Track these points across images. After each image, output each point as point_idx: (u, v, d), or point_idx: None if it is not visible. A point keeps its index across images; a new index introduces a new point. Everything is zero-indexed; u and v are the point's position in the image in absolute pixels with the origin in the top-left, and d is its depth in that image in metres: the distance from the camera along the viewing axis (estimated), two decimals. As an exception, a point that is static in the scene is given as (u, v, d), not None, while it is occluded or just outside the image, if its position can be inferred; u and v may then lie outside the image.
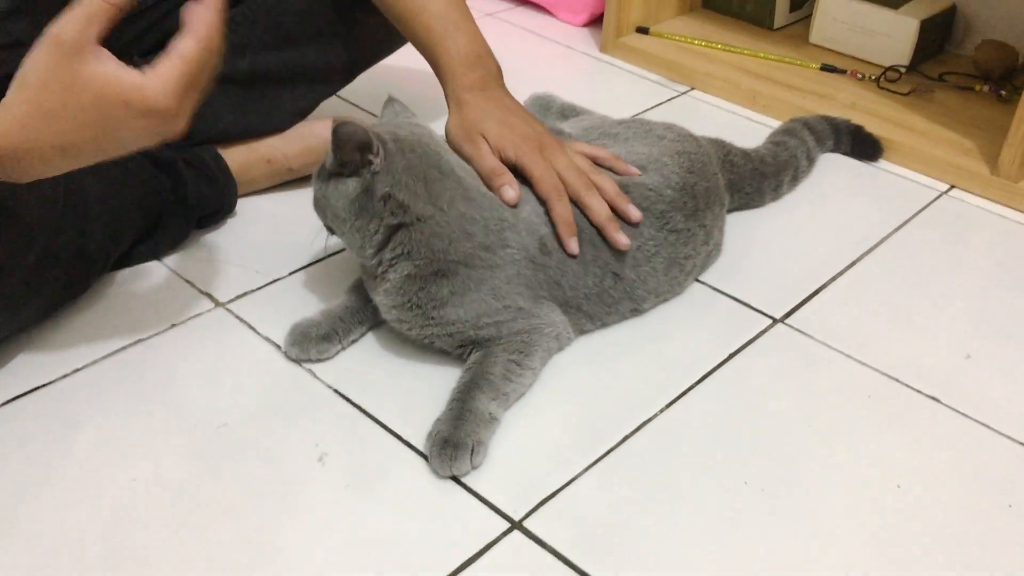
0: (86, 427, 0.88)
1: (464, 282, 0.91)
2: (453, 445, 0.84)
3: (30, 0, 0.99)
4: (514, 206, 0.95)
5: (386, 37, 1.19)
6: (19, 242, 0.86)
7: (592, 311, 0.99)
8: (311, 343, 0.95)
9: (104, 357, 0.95)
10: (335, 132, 0.86)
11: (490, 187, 0.95)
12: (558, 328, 0.96)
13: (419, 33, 1.05)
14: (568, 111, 1.37)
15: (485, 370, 0.90)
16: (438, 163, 0.92)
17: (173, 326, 0.99)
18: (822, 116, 1.36)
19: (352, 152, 0.88)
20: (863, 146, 1.37)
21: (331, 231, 0.95)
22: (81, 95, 0.73)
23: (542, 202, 0.97)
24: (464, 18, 1.05)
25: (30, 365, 0.93)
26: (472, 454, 0.84)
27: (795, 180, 1.27)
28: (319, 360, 0.95)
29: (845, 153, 1.37)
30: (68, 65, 0.73)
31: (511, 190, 0.95)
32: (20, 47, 1.01)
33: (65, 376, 0.93)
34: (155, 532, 0.79)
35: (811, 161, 1.30)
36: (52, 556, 0.76)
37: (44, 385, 0.92)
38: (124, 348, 0.96)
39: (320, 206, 0.93)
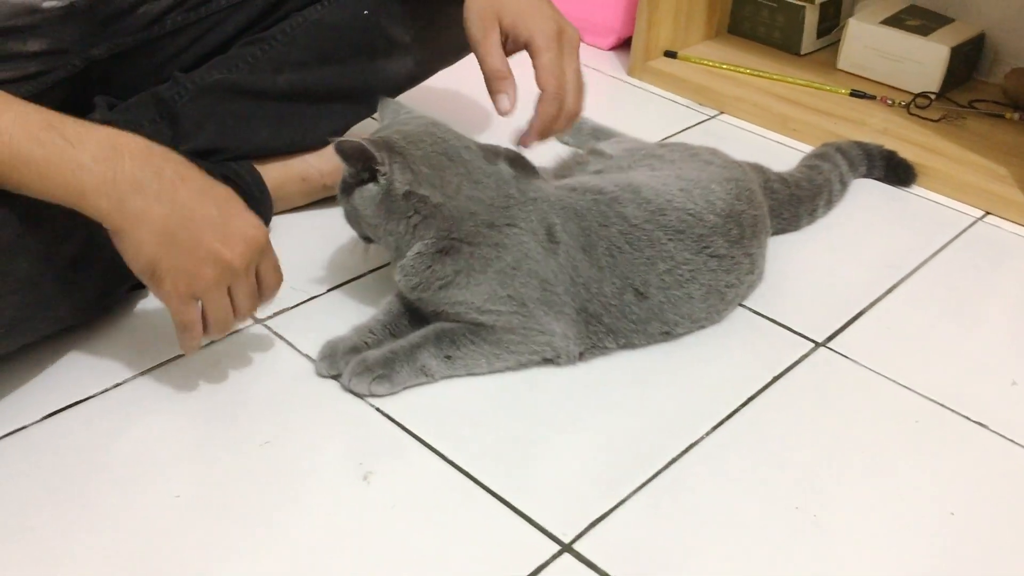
0: (127, 442, 0.87)
1: (468, 261, 0.92)
2: (367, 366, 0.91)
3: (82, 8, 0.99)
4: (503, 115, 0.97)
5: (426, 60, 1.19)
6: (59, 231, 0.85)
7: (614, 326, 0.97)
8: (339, 356, 0.94)
9: (143, 372, 0.94)
10: (338, 150, 0.91)
11: (489, 88, 0.95)
12: (555, 340, 0.95)
13: None
14: (599, 133, 1.37)
15: (453, 340, 0.93)
16: (445, 150, 0.93)
17: (212, 343, 0.98)
18: (855, 142, 1.36)
19: (358, 162, 0.91)
20: (897, 171, 1.36)
21: (368, 240, 0.97)
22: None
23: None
24: None
25: (70, 379, 0.92)
26: (376, 379, 0.91)
27: (829, 204, 1.27)
28: None
29: (878, 179, 1.37)
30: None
31: (506, 100, 0.95)
32: (65, 55, 1.01)
33: (105, 391, 0.92)
34: (199, 550, 0.77)
35: (844, 185, 1.30)
36: (95, 573, 0.75)
37: (85, 399, 0.90)
38: (163, 364, 0.95)
39: (352, 218, 0.96)
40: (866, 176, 1.36)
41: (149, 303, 1.03)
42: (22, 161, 0.76)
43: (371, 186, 0.92)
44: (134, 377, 0.93)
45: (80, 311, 0.94)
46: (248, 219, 0.85)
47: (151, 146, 0.81)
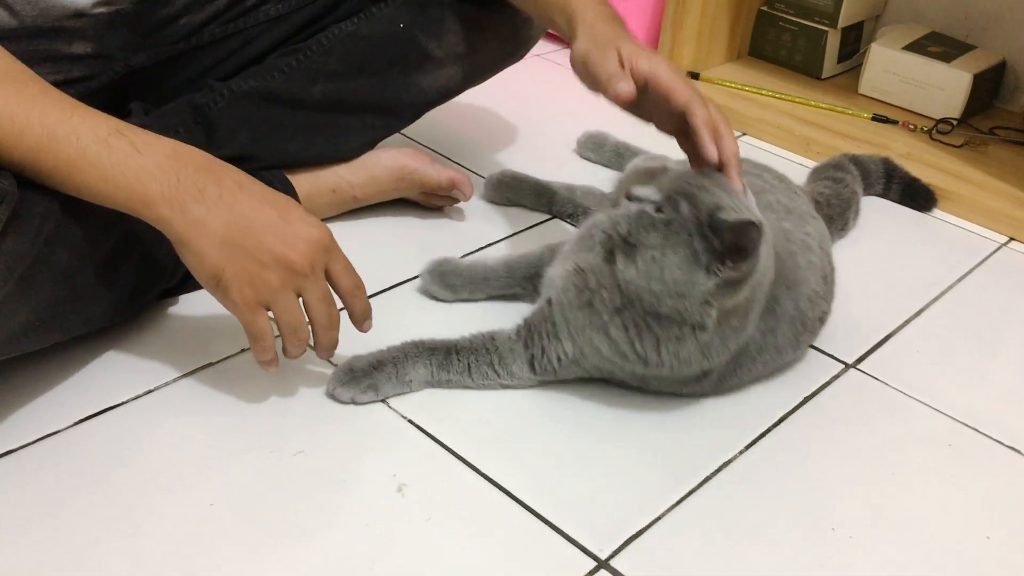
0: (159, 449, 0.86)
1: None
2: (353, 375, 0.91)
3: (129, 15, 0.99)
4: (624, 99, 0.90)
5: (459, 76, 1.19)
6: (99, 226, 0.85)
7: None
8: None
9: (174, 380, 0.93)
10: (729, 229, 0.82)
11: (606, 87, 0.90)
12: None
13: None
14: (623, 149, 1.37)
15: (461, 362, 0.93)
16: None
17: (243, 351, 0.97)
18: (882, 158, 1.37)
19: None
20: (916, 197, 1.37)
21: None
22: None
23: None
24: None
25: (102, 384, 0.92)
26: (361, 389, 0.91)
27: (856, 215, 1.27)
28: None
29: (895, 200, 1.37)
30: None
31: (625, 85, 0.89)
32: (108, 60, 1.02)
33: (137, 397, 0.91)
34: (232, 559, 0.77)
35: (860, 194, 1.31)
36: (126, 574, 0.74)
37: (117, 405, 0.90)
38: (194, 371, 0.95)
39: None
40: (881, 196, 1.37)
41: (181, 308, 1.03)
42: (89, 163, 0.77)
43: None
44: (167, 384, 0.93)
45: (112, 311, 0.93)
46: (309, 221, 0.84)
47: (211, 158, 0.83)
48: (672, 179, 0.87)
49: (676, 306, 0.84)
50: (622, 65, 0.91)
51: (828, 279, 1.02)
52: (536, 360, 0.94)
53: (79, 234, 0.84)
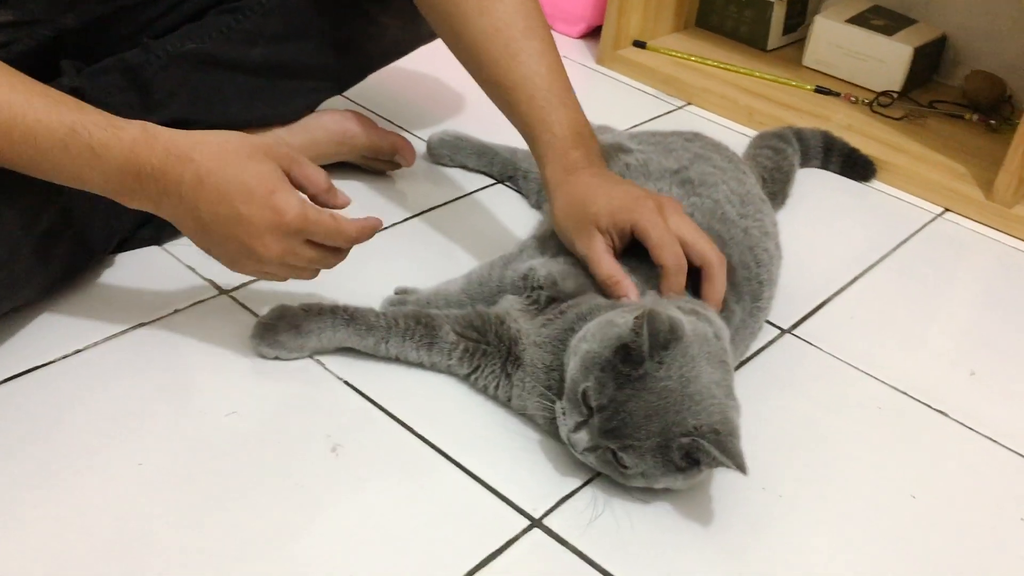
0: (87, 410, 0.85)
1: None
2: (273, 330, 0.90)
3: None
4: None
5: (403, 39, 1.18)
6: (34, 206, 0.84)
7: None
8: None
9: (105, 339, 0.92)
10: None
11: (608, 295, 0.87)
12: None
13: (519, 103, 0.96)
14: None
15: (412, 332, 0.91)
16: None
17: (176, 311, 0.96)
18: (821, 131, 1.38)
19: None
20: (856, 168, 1.38)
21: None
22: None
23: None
24: (567, 91, 0.97)
25: (29, 345, 0.90)
26: (269, 343, 0.90)
27: (791, 187, 1.29)
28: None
29: (835, 172, 1.39)
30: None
31: (628, 300, 0.87)
32: (33, 25, 0.99)
33: (65, 357, 0.89)
34: (163, 519, 0.76)
35: (797, 167, 1.33)
36: (55, 540, 0.73)
37: (43, 365, 0.88)
38: (125, 331, 0.93)
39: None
40: (822, 167, 1.38)
41: (114, 269, 1.01)
42: (52, 166, 0.79)
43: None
44: (96, 344, 0.91)
45: (46, 290, 0.93)
46: (274, 204, 0.81)
47: (168, 150, 0.80)
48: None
49: None
50: (610, 243, 0.89)
51: (776, 266, 1.03)
52: (470, 376, 0.91)
53: (15, 220, 0.84)
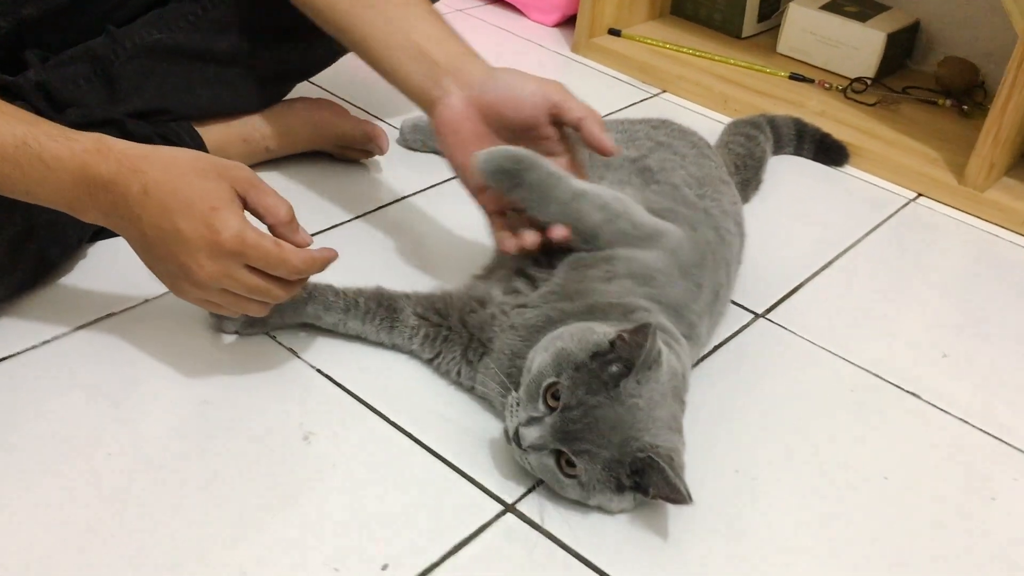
0: (57, 399, 0.84)
1: None
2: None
3: None
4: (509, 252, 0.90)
5: None
6: (5, 205, 0.82)
7: None
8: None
9: (74, 330, 0.91)
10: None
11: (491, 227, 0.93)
12: None
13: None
14: None
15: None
16: None
17: (147, 301, 0.95)
18: (792, 118, 1.38)
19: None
20: (830, 152, 1.39)
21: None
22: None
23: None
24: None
25: (-5, 336, 0.89)
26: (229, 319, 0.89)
27: (763, 172, 1.29)
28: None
29: (809, 158, 1.39)
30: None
31: (508, 239, 0.90)
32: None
33: (33, 347, 0.88)
34: (132, 509, 0.75)
35: (770, 155, 1.33)
36: (23, 530, 0.72)
37: (11, 356, 0.87)
38: (96, 321, 0.92)
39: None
40: (795, 154, 1.39)
41: (82, 259, 1.00)
42: (5, 179, 0.77)
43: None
44: (65, 334, 0.90)
45: (17, 288, 0.92)
46: (211, 222, 0.77)
47: (120, 161, 0.79)
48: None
49: None
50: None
51: (739, 245, 1.03)
52: (433, 360, 0.91)
53: None
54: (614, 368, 0.76)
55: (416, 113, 1.31)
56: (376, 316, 0.91)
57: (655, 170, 1.00)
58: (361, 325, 0.91)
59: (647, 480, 0.75)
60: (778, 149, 1.37)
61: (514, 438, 0.78)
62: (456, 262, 1.09)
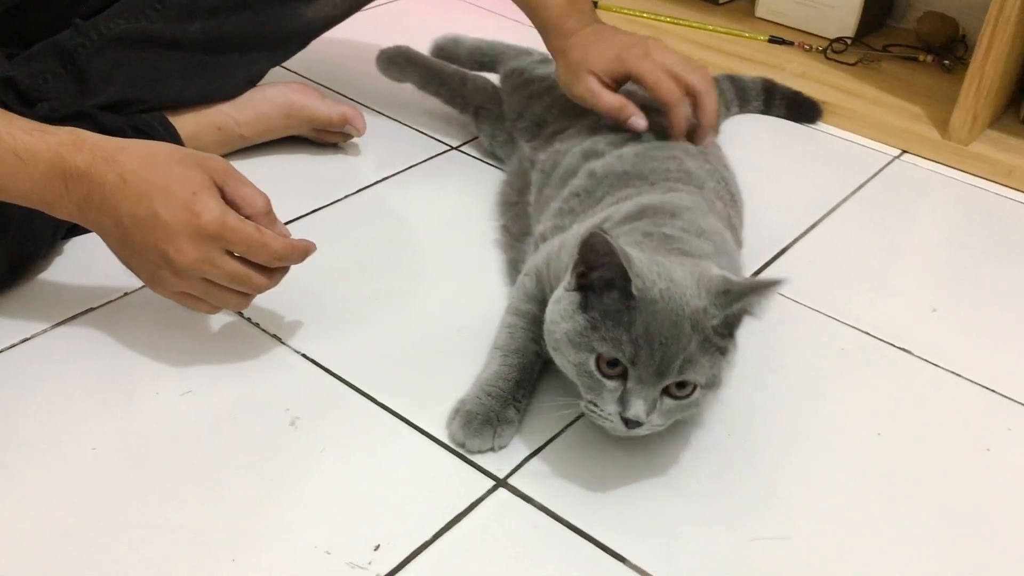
0: (39, 397, 0.83)
1: None
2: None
3: None
4: (643, 130, 0.99)
5: (342, 3, 1.16)
6: None
7: None
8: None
9: (53, 326, 0.90)
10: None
11: (618, 122, 0.99)
12: None
13: None
14: (476, 53, 1.33)
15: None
16: None
17: (126, 294, 0.94)
18: (763, 77, 1.39)
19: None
20: (802, 109, 1.39)
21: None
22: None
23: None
24: None
25: (-26, 336, 0.88)
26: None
27: (721, 124, 1.31)
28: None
29: (780, 116, 1.39)
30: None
31: (640, 120, 1.00)
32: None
33: (13, 346, 0.87)
34: (119, 501, 0.74)
35: (728, 112, 1.34)
36: (10, 527, 0.71)
37: (-9, 355, 0.86)
38: (75, 317, 0.91)
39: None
40: (764, 112, 1.38)
41: (60, 258, 0.98)
42: None
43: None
44: (44, 331, 0.89)
45: None
46: (191, 206, 0.77)
47: (94, 151, 0.78)
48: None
49: None
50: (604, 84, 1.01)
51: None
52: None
53: None
54: (613, 294, 0.73)
55: (389, 100, 1.30)
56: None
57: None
58: None
59: (732, 321, 0.75)
60: (744, 105, 1.37)
61: (631, 426, 0.73)
62: (439, 239, 1.08)
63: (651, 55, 1.00)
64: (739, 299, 0.73)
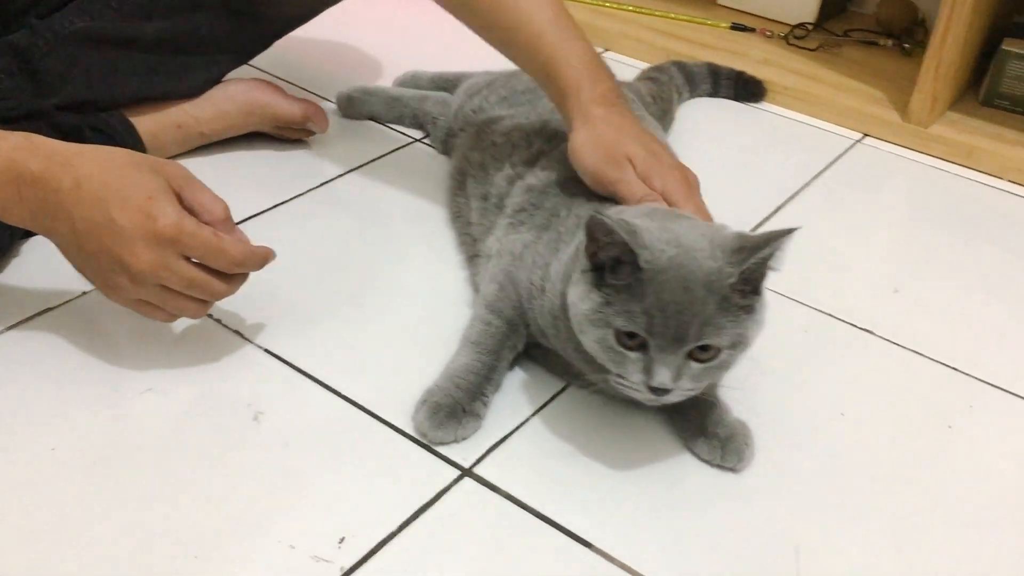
0: (-3, 399, 0.82)
1: None
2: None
3: None
4: None
5: (307, 4, 1.15)
6: None
7: None
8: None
9: (10, 327, 0.89)
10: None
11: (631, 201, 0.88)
12: None
13: (527, 42, 0.94)
14: (439, 81, 1.33)
15: None
16: None
17: (84, 294, 0.93)
18: (705, 62, 1.41)
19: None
20: (747, 87, 1.41)
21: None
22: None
23: None
24: (575, 25, 0.95)
25: (-70, 339, 0.87)
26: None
27: (675, 109, 1.31)
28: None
29: (728, 97, 1.41)
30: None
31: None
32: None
33: (-30, 348, 0.86)
34: (79, 501, 0.73)
35: (680, 97, 1.35)
36: (-31, 533, 0.71)
37: (-53, 358, 0.85)
38: (32, 317, 0.90)
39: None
40: (712, 95, 1.40)
41: (14, 259, 0.97)
42: None
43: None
44: (1, 332, 0.88)
45: None
46: (147, 210, 0.76)
47: (49, 156, 0.77)
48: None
49: None
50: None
51: None
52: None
53: None
54: (625, 268, 0.73)
55: (351, 85, 1.30)
56: None
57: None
58: None
59: (757, 276, 0.75)
60: (693, 89, 1.39)
61: (659, 393, 0.73)
62: (401, 231, 1.08)
63: (691, 191, 0.91)
64: (753, 253, 0.73)
